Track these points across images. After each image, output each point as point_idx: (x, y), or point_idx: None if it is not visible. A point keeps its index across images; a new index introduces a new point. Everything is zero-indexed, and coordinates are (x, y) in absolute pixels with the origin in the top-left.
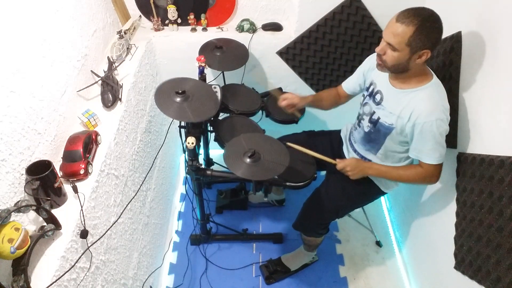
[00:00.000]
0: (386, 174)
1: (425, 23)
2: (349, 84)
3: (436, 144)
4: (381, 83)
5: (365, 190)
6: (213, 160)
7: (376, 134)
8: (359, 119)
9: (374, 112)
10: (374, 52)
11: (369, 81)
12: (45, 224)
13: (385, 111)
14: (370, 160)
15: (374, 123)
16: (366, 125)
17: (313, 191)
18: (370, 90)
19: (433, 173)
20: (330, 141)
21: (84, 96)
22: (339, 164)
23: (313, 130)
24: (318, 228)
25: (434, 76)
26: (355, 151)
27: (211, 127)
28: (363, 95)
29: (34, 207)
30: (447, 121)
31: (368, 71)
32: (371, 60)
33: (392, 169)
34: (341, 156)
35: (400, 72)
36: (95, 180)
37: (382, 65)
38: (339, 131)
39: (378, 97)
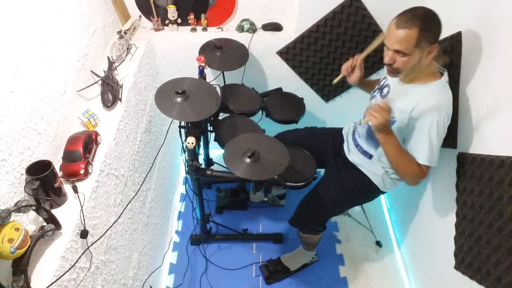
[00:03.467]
0: (394, 148)
1: (426, 20)
2: None
3: (431, 143)
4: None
5: (363, 189)
6: (213, 160)
7: None
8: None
9: None
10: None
11: (384, 74)
12: (45, 224)
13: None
14: (371, 155)
15: None
16: None
17: (311, 188)
18: (381, 83)
19: (423, 174)
20: (332, 137)
21: (84, 96)
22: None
23: (315, 127)
24: (314, 224)
25: (444, 76)
26: (357, 145)
27: (211, 127)
28: (375, 88)
29: (34, 207)
30: (447, 122)
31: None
32: None
33: (401, 150)
34: (341, 153)
35: (414, 71)
36: (95, 180)
37: (394, 73)
38: (341, 129)
39: (385, 90)
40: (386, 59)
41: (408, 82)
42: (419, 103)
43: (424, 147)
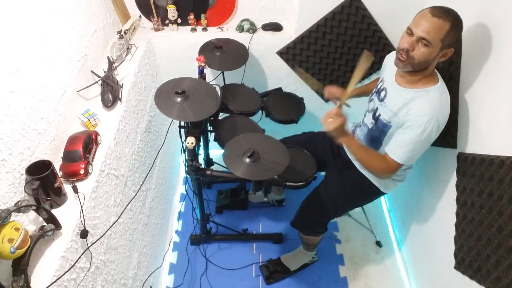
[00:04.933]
0: (356, 149)
1: (457, 20)
2: None
3: (413, 145)
4: (388, 80)
5: (364, 190)
6: (213, 160)
7: (377, 132)
8: (364, 115)
9: (377, 109)
10: (375, 51)
11: (381, 78)
12: (45, 224)
13: (385, 108)
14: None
15: (376, 119)
16: (369, 121)
17: (312, 189)
18: (378, 86)
19: (392, 169)
20: (330, 139)
21: (84, 96)
22: (327, 114)
23: (312, 131)
24: (316, 226)
25: (440, 81)
26: None
27: (211, 127)
28: (372, 91)
29: (34, 207)
30: (436, 131)
31: (383, 69)
32: (387, 59)
33: (363, 149)
34: (341, 155)
35: (421, 70)
36: (95, 180)
37: (406, 62)
38: None
39: (383, 94)
40: (406, 44)
41: (406, 85)
42: (413, 106)
43: (406, 148)
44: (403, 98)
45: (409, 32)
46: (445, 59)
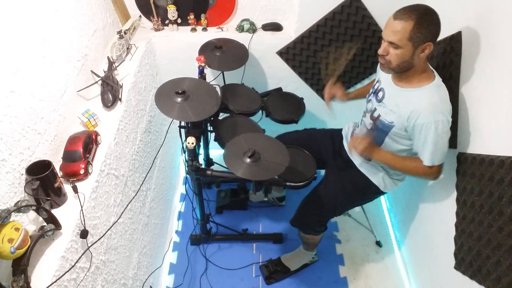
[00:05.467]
0: (391, 162)
1: (423, 16)
2: None
3: (435, 147)
4: (385, 80)
5: (364, 189)
6: (213, 160)
7: (377, 132)
8: (362, 116)
9: (375, 109)
10: (375, 51)
11: (377, 78)
12: (45, 224)
13: (385, 108)
14: (370, 159)
15: (375, 120)
16: (368, 122)
17: (312, 188)
18: (375, 87)
19: (432, 172)
20: (331, 138)
21: (84, 96)
22: (353, 138)
23: (314, 128)
24: (316, 225)
25: (437, 77)
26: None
27: (211, 127)
28: (369, 92)
29: (34, 207)
30: (448, 123)
31: (378, 69)
32: None
33: (398, 159)
34: (342, 152)
35: (405, 70)
36: (95, 180)
37: (386, 66)
38: (340, 130)
39: (380, 94)
40: (380, 50)
41: (403, 84)
42: (416, 108)
43: (427, 150)
44: (403, 98)
45: (382, 38)
46: (426, 54)
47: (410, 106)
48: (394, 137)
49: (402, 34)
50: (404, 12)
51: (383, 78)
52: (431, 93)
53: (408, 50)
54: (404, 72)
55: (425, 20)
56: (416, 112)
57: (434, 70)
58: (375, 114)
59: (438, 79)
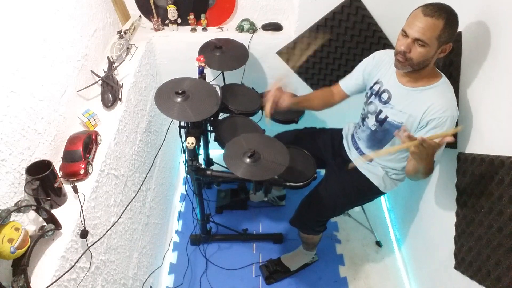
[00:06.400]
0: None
1: (451, 16)
2: (348, 84)
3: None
4: (388, 81)
5: (364, 190)
6: (213, 160)
7: (382, 133)
8: (363, 117)
9: (380, 111)
10: (375, 51)
11: (374, 80)
12: (45, 224)
13: (393, 109)
14: (371, 159)
15: (381, 122)
16: (372, 123)
17: (312, 188)
18: (375, 89)
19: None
20: (331, 138)
21: (84, 96)
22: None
23: (314, 127)
24: (315, 225)
25: (443, 75)
26: (357, 148)
27: (211, 127)
28: (366, 94)
29: (34, 207)
30: (456, 117)
31: (372, 70)
32: (375, 60)
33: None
34: (341, 152)
35: (421, 68)
36: (95, 180)
37: (405, 63)
38: (340, 129)
39: (385, 96)
40: (402, 47)
41: (412, 84)
42: (431, 106)
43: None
44: (414, 98)
45: (404, 34)
46: (444, 54)
47: (424, 104)
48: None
49: (432, 32)
50: (435, 10)
51: (385, 79)
52: (444, 89)
53: (433, 49)
54: (416, 71)
55: (452, 20)
56: (433, 107)
57: (437, 69)
58: (382, 116)
59: (444, 77)
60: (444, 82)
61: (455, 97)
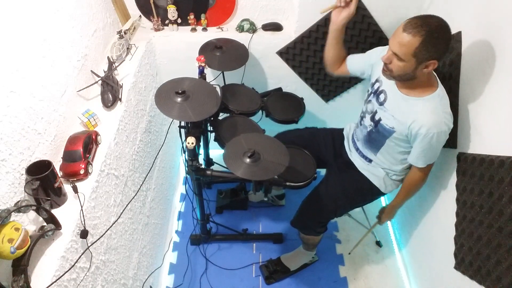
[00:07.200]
0: (403, 200)
1: (432, 34)
2: (353, 63)
3: (431, 152)
4: (387, 83)
5: (365, 191)
6: (213, 160)
7: (377, 135)
8: (362, 116)
9: (376, 112)
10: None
11: (375, 77)
12: (45, 224)
13: (387, 113)
14: (371, 160)
15: (376, 123)
16: (368, 123)
17: (312, 189)
18: (375, 87)
19: (426, 173)
20: (332, 138)
21: (84, 96)
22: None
23: (315, 127)
24: (316, 226)
25: (439, 86)
26: (357, 149)
27: (211, 127)
28: (368, 91)
29: (34, 207)
30: (448, 131)
31: (376, 63)
32: (383, 52)
33: (401, 195)
34: (342, 153)
35: (406, 80)
36: (95, 180)
37: (388, 73)
38: (341, 130)
39: (382, 97)
40: (384, 57)
41: (405, 91)
42: (418, 118)
43: (425, 156)
44: (405, 106)
45: (389, 45)
46: (429, 70)
47: (411, 115)
48: (395, 141)
49: (407, 49)
50: (415, 25)
51: (385, 79)
52: (434, 103)
53: (410, 65)
54: (406, 81)
55: (433, 38)
56: (418, 122)
57: (437, 78)
58: (376, 117)
59: (440, 89)
60: (437, 95)
61: (448, 110)
